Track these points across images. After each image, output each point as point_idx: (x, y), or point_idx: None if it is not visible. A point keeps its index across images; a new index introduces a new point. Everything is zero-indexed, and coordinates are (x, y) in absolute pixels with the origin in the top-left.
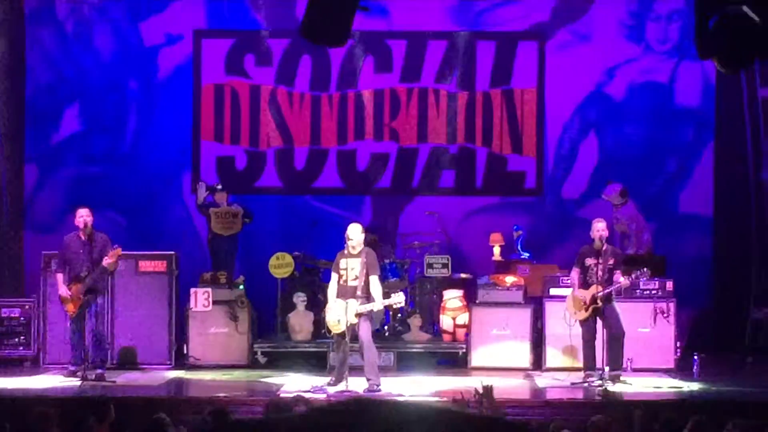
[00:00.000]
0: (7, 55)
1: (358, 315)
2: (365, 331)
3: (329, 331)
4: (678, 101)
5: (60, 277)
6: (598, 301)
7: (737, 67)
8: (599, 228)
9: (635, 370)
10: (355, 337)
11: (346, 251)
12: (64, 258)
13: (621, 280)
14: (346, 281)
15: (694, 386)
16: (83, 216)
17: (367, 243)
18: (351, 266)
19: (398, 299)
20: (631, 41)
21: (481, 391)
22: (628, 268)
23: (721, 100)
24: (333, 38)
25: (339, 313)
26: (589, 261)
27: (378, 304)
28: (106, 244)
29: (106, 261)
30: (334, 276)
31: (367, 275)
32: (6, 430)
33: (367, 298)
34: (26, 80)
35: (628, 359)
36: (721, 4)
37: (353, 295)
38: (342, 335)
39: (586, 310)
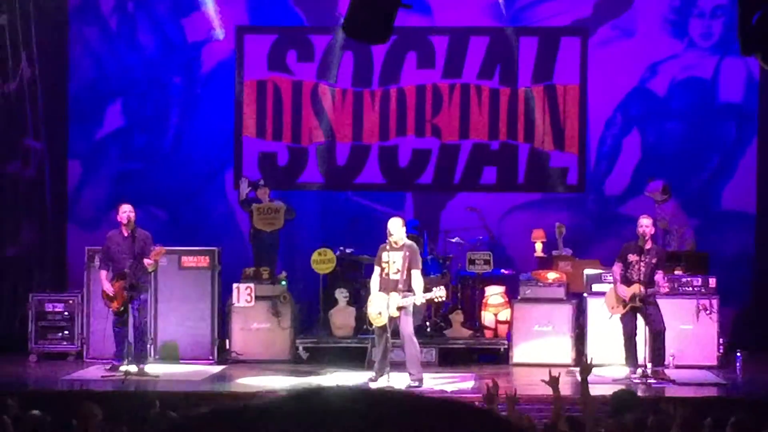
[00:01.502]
0: (51, 50)
1: (400, 308)
2: (407, 325)
3: (370, 324)
4: (721, 97)
5: (104, 273)
6: (637, 301)
7: None
8: (645, 224)
9: (678, 367)
10: (396, 332)
11: (388, 245)
12: (107, 254)
13: (662, 283)
14: (388, 274)
15: (737, 384)
16: (126, 212)
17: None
18: (393, 260)
19: (440, 293)
20: (674, 37)
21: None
22: (670, 264)
23: (764, 96)
24: (375, 35)
25: (380, 306)
26: (632, 257)
27: (419, 297)
28: (148, 241)
29: (147, 262)
30: (376, 269)
31: (409, 269)
32: (47, 423)
33: (409, 292)
34: (70, 76)
35: (671, 355)
36: None
37: (395, 288)
38: (383, 328)
39: (624, 306)
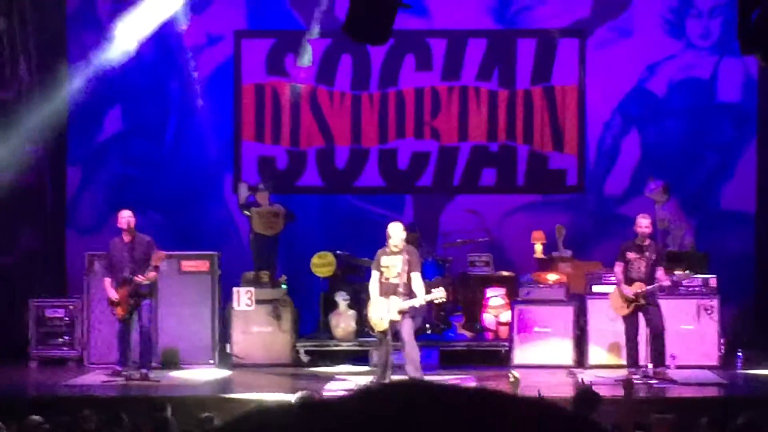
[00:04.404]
0: (49, 56)
1: (401, 312)
2: (407, 329)
3: (372, 329)
4: (720, 97)
5: (108, 281)
6: (641, 299)
7: None
8: (644, 224)
9: (679, 367)
10: (397, 335)
11: (387, 249)
12: (110, 261)
13: (662, 278)
14: (387, 279)
15: (738, 383)
16: (126, 217)
17: (408, 241)
18: (393, 263)
19: (439, 294)
20: (672, 37)
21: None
22: (670, 264)
23: (763, 95)
24: (375, 36)
25: (381, 311)
26: (631, 255)
27: (420, 299)
28: (150, 246)
29: (139, 279)
30: (375, 273)
31: (409, 272)
32: (45, 429)
33: (409, 295)
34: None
35: (672, 356)
36: None
37: (395, 292)
38: (384, 333)
39: (628, 306)
